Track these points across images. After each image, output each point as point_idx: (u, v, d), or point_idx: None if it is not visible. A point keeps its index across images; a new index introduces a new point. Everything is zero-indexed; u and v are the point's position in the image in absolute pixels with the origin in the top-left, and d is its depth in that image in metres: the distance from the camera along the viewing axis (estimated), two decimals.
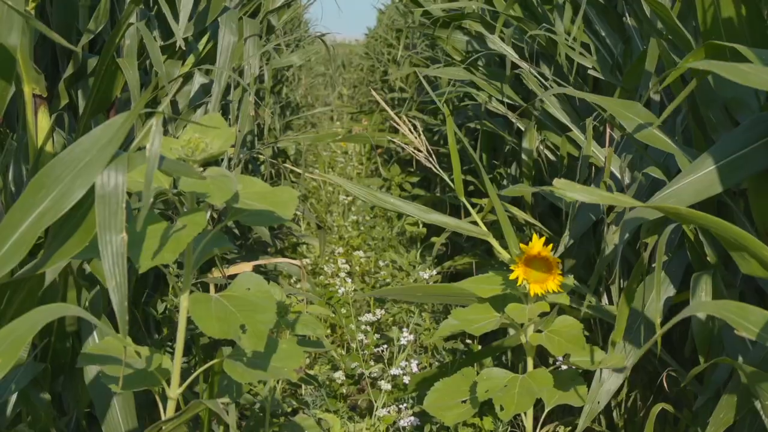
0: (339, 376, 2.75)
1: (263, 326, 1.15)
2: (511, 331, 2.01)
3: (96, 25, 1.99)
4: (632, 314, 1.79)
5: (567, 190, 1.45)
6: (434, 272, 3.45)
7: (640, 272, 1.74)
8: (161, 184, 1.19)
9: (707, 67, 1.24)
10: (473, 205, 2.00)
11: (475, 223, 1.91)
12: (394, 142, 5.12)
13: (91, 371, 1.64)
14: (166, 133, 1.90)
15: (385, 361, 2.85)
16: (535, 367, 1.77)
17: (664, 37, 1.89)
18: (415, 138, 1.83)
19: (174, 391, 1.24)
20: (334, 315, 3.27)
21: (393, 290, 2.94)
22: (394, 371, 2.63)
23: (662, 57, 1.92)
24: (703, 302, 1.12)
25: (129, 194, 1.03)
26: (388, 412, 2.49)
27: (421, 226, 4.24)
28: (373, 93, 1.95)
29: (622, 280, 2.08)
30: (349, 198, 5.40)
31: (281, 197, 1.21)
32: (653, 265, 1.83)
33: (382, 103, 1.82)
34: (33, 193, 1.02)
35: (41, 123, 1.61)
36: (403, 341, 2.82)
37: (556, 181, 1.47)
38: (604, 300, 2.18)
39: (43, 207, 1.01)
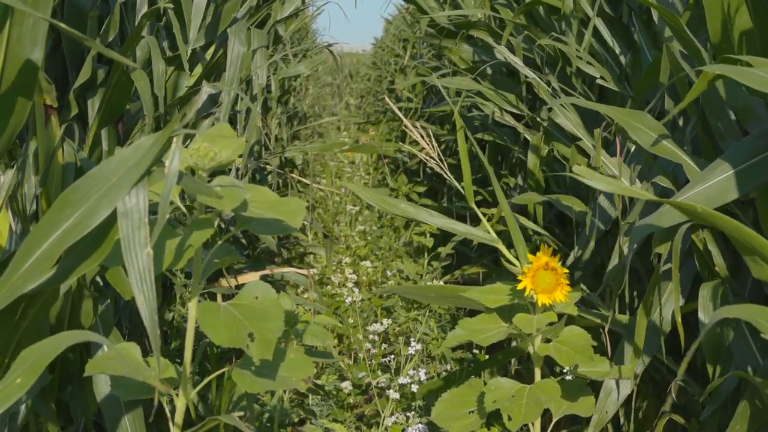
0: (346, 385, 2.75)
1: (271, 334, 1.15)
2: (519, 341, 2.01)
3: (106, 36, 2.00)
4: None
5: (587, 178, 1.45)
6: (441, 282, 3.44)
7: (656, 282, 1.74)
8: (171, 195, 1.19)
9: (724, 72, 1.24)
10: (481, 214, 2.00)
11: (485, 231, 1.91)
12: (401, 152, 5.13)
13: (100, 381, 1.64)
14: None
15: (392, 370, 2.84)
16: (542, 376, 1.77)
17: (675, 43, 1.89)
18: (427, 144, 1.83)
19: (183, 399, 1.24)
20: (341, 325, 3.27)
21: (407, 288, 2.94)
22: (402, 380, 2.63)
23: (672, 66, 1.93)
24: (727, 307, 1.12)
25: None
26: (396, 421, 2.48)
27: (428, 236, 4.24)
28: (387, 100, 1.96)
29: (631, 290, 2.08)
30: (357, 208, 5.41)
31: (290, 207, 1.21)
32: (664, 273, 1.83)
33: (396, 110, 1.83)
34: (58, 211, 1.03)
35: (52, 133, 1.62)
36: (410, 351, 2.82)
37: (576, 168, 1.47)
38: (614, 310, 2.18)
39: (69, 224, 1.02)
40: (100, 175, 1.03)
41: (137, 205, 1.01)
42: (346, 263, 4.29)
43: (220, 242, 1.24)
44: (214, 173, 1.21)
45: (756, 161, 1.56)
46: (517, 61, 2.62)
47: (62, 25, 1.09)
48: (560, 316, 1.70)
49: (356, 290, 3.65)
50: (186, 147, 1.21)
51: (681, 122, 2.13)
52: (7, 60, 1.26)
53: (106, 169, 1.02)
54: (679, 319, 1.60)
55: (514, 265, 1.79)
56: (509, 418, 1.62)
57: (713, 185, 1.58)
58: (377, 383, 2.75)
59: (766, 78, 1.29)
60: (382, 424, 2.48)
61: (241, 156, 1.21)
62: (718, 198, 1.57)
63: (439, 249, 4.04)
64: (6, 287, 1.05)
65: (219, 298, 2.22)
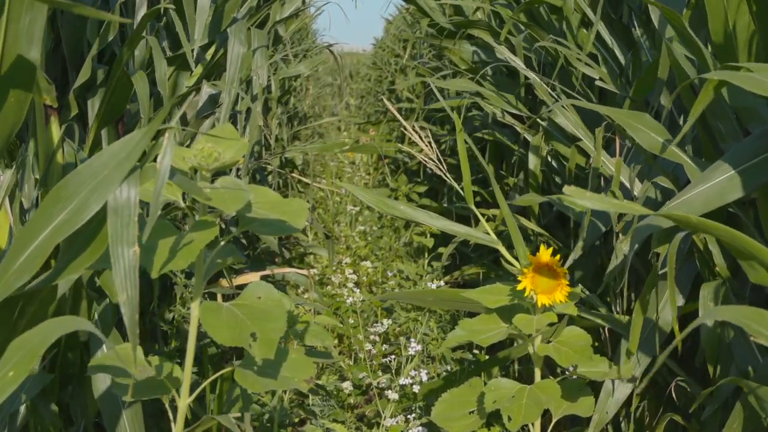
0: (347, 386, 2.75)
1: (274, 334, 1.15)
2: (519, 341, 2.01)
3: (106, 36, 2.00)
4: (643, 324, 1.79)
5: (577, 198, 1.45)
6: (442, 282, 3.45)
7: (652, 282, 1.74)
8: (173, 195, 1.19)
9: (723, 77, 1.25)
10: (481, 215, 2.00)
11: (484, 232, 1.91)
12: (401, 152, 5.13)
13: (99, 382, 1.64)
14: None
15: (393, 371, 2.84)
16: (542, 377, 1.77)
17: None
18: (426, 146, 1.83)
19: (184, 400, 1.24)
20: (341, 325, 3.27)
21: (404, 294, 2.95)
22: (402, 381, 2.63)
23: (672, 66, 1.92)
24: (719, 308, 1.12)
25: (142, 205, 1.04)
26: (396, 422, 2.48)
27: (428, 236, 4.24)
28: (385, 102, 1.95)
29: (631, 291, 2.08)
30: (357, 208, 5.41)
31: (292, 207, 1.21)
32: (662, 273, 1.83)
33: (394, 112, 1.83)
34: (49, 206, 1.02)
35: (51, 133, 1.62)
36: (411, 351, 2.82)
37: (566, 189, 1.47)
38: (613, 310, 2.18)
39: (59, 220, 1.01)
40: (90, 169, 1.02)
41: (128, 201, 1.00)
42: (346, 263, 4.29)
43: (222, 243, 1.24)
44: (216, 174, 1.21)
45: (757, 161, 1.56)
46: (517, 61, 2.62)
47: None
48: (560, 316, 1.70)
49: (357, 290, 3.65)
50: (188, 147, 1.21)
51: (681, 122, 2.13)
52: (4, 58, 1.26)
53: (97, 164, 1.02)
54: (675, 325, 1.60)
55: (514, 265, 1.79)
56: (509, 419, 1.62)
57: (714, 186, 1.58)
58: (378, 384, 2.75)
59: (763, 82, 1.29)
60: (383, 424, 2.48)
61: (243, 156, 1.21)
62: (719, 198, 1.57)
63: (440, 249, 4.04)
64: (0, 284, 1.05)
65: (219, 298, 2.23)
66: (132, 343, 1.01)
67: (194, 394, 1.26)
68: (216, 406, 1.78)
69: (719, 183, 1.57)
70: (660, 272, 1.80)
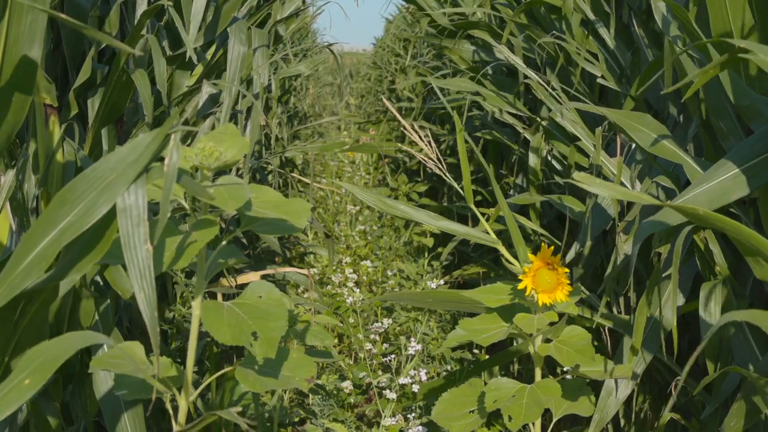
0: (347, 385, 2.75)
1: (275, 333, 1.15)
2: (519, 341, 2.01)
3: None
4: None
5: (587, 184, 1.45)
6: (442, 282, 3.45)
7: (656, 280, 1.74)
8: (175, 193, 1.19)
9: (749, 47, 1.24)
10: (481, 215, 2.00)
11: (484, 231, 1.91)
12: (401, 152, 5.13)
13: (100, 381, 1.64)
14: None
15: (393, 370, 2.84)
16: (543, 376, 1.77)
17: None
18: (426, 145, 1.83)
19: (185, 398, 1.24)
20: (341, 325, 3.27)
21: (404, 295, 2.94)
22: (402, 380, 2.63)
23: (674, 64, 1.92)
24: (736, 311, 1.13)
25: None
26: (396, 421, 2.48)
27: (428, 235, 4.24)
28: (385, 101, 1.95)
29: (633, 290, 2.08)
30: (357, 208, 5.41)
31: (294, 207, 1.21)
32: (664, 275, 1.83)
33: (394, 112, 1.83)
34: (56, 208, 1.02)
35: (51, 133, 1.61)
36: (411, 351, 2.82)
37: (576, 174, 1.47)
38: (613, 310, 2.18)
39: (65, 223, 1.01)
40: (97, 172, 1.02)
41: (136, 201, 1.01)
42: (346, 263, 4.29)
43: (224, 242, 1.24)
44: (218, 173, 1.21)
45: (760, 160, 1.56)
46: (517, 61, 2.62)
47: (62, 15, 1.09)
48: (561, 315, 1.70)
49: (357, 290, 3.65)
50: (188, 146, 1.21)
51: (682, 122, 2.13)
52: (6, 57, 1.26)
53: (104, 167, 1.02)
54: (674, 324, 1.60)
55: (514, 265, 1.79)
56: (510, 418, 1.62)
57: (717, 185, 1.57)
58: (378, 383, 2.75)
59: None
60: (382, 423, 2.48)
61: (245, 155, 1.21)
62: (721, 197, 1.57)
63: (440, 249, 4.04)
64: (4, 285, 1.05)
65: (219, 297, 2.23)
66: (153, 342, 1.01)
67: (196, 393, 1.26)
68: (218, 405, 1.78)
69: (722, 182, 1.57)
70: (662, 273, 1.80)
